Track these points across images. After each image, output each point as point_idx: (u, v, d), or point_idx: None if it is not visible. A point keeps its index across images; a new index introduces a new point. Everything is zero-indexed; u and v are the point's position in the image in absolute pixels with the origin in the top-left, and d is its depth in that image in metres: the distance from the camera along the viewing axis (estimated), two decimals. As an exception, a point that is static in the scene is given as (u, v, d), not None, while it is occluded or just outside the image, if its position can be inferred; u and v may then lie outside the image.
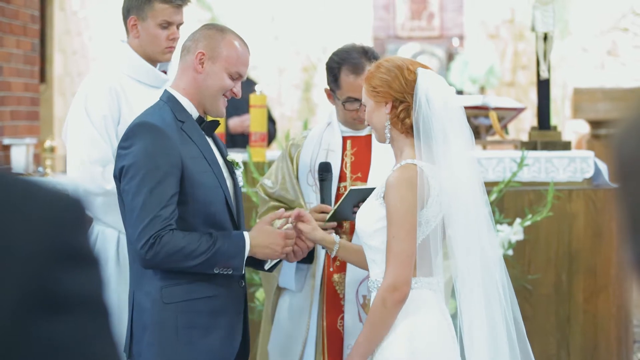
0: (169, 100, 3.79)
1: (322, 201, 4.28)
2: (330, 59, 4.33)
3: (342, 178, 4.35)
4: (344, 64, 4.26)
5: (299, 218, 3.90)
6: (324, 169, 4.29)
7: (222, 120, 6.18)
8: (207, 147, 3.79)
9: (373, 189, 3.81)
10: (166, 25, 4.40)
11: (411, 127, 3.60)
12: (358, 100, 4.19)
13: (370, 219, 3.64)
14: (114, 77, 4.37)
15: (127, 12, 4.44)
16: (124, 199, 3.66)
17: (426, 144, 3.58)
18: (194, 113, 3.80)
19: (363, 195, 4.00)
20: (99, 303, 1.24)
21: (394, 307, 3.53)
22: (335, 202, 4.22)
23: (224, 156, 3.90)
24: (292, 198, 4.39)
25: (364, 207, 3.71)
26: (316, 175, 4.33)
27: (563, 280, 5.96)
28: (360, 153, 4.35)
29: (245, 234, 3.75)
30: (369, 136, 4.32)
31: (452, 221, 3.59)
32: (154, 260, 3.60)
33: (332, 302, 4.29)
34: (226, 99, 3.85)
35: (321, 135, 4.42)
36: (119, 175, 3.68)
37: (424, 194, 3.54)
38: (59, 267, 1.21)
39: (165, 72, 4.53)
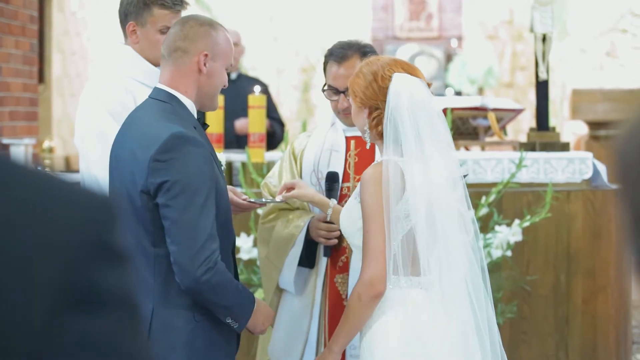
0: (171, 100, 3.65)
1: None
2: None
3: (345, 179, 4.34)
4: (330, 55, 4.30)
5: (290, 188, 4.04)
6: (332, 180, 4.27)
7: (220, 121, 6.20)
8: (214, 151, 3.70)
9: None
10: (166, 30, 4.37)
11: (383, 133, 3.59)
12: (338, 90, 4.23)
13: (351, 218, 3.65)
14: (123, 79, 4.35)
15: (124, 18, 4.40)
16: (166, 214, 3.48)
17: (396, 145, 3.57)
18: (195, 115, 3.70)
19: None
20: (132, 300, 1.25)
21: (369, 303, 3.52)
22: (339, 204, 4.22)
23: None
24: (294, 197, 4.40)
25: (345, 207, 3.72)
26: (320, 175, 4.33)
27: (562, 281, 5.96)
28: (364, 153, 4.34)
29: (255, 298, 3.70)
30: None
31: (413, 216, 3.55)
32: (207, 283, 3.47)
33: (334, 302, 4.27)
34: None
35: (325, 135, 4.42)
36: (154, 189, 3.49)
37: (398, 188, 3.53)
38: (95, 265, 1.21)
39: None
